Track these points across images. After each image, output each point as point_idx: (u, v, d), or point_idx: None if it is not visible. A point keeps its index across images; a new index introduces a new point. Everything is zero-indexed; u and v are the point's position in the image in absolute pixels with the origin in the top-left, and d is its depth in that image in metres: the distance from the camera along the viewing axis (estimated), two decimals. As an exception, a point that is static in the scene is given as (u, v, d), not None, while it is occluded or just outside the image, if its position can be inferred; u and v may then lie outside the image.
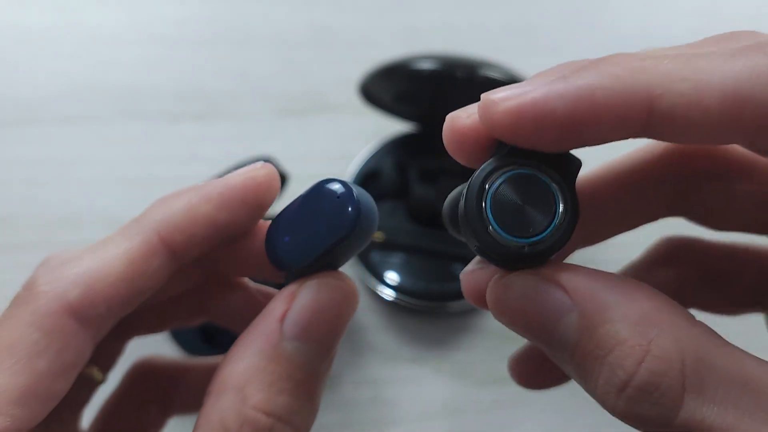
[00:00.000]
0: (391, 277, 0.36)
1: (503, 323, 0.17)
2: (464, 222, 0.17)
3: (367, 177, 0.39)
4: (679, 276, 0.23)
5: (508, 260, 0.16)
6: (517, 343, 0.39)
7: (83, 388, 0.22)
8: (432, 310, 0.38)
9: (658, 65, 0.15)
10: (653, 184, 0.21)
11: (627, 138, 0.16)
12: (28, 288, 0.17)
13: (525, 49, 0.48)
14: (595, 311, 0.15)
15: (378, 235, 0.37)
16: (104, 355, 0.22)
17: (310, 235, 0.18)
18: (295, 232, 0.18)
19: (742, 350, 0.15)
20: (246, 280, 0.23)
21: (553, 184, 0.16)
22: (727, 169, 0.20)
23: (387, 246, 0.37)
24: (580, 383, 0.16)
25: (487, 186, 0.16)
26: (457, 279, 0.36)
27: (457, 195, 0.20)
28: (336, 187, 0.18)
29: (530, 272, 0.16)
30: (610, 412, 0.15)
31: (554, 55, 0.48)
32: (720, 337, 0.15)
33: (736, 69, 0.14)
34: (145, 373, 0.24)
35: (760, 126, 0.14)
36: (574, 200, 0.16)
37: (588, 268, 0.16)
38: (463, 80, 0.31)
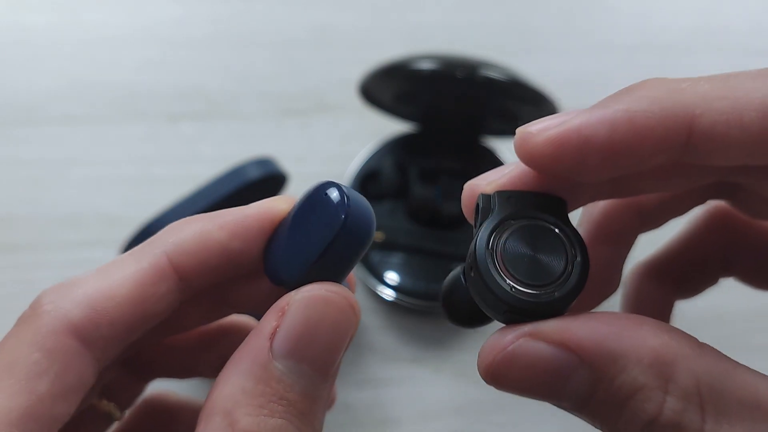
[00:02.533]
0: (391, 277, 0.36)
1: (504, 390, 0.16)
2: (480, 286, 0.16)
3: (367, 177, 0.39)
4: (727, 248, 0.23)
5: (532, 314, 0.16)
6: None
7: (100, 423, 0.21)
8: (432, 310, 0.38)
9: (696, 86, 0.15)
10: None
11: (666, 161, 0.16)
12: (33, 307, 0.17)
13: (525, 49, 0.48)
14: (606, 364, 0.15)
15: (378, 235, 0.37)
16: (124, 393, 0.22)
17: (305, 244, 0.17)
18: (291, 244, 0.17)
19: (751, 370, 0.15)
20: None
21: (555, 227, 0.17)
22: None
23: (387, 246, 0.37)
24: (591, 423, 0.16)
25: (493, 246, 0.16)
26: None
27: (454, 279, 0.19)
28: (328, 190, 0.17)
29: (529, 339, 0.16)
30: None
31: (554, 55, 0.49)
32: (727, 358, 0.15)
33: None
34: (154, 409, 0.24)
35: None
36: (578, 236, 0.17)
37: (587, 314, 0.16)
38: (463, 80, 0.31)
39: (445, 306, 0.20)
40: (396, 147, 0.40)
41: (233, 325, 0.22)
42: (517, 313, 0.16)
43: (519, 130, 0.17)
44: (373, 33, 0.48)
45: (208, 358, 0.22)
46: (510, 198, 0.17)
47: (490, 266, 0.16)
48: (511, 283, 0.16)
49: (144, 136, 0.44)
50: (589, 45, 0.48)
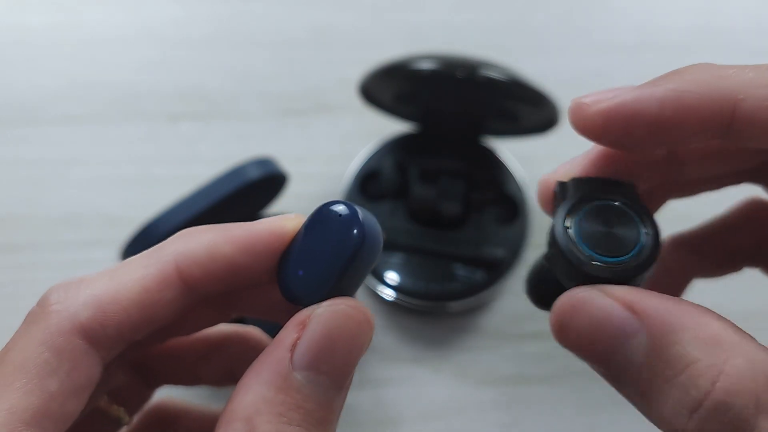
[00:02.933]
0: (391, 277, 0.36)
1: (565, 344, 0.17)
2: (560, 261, 0.18)
3: (367, 177, 0.39)
4: (757, 238, 0.24)
5: (610, 282, 0.17)
6: (515, 342, 0.39)
7: (109, 427, 0.22)
8: (432, 310, 0.38)
9: (741, 73, 0.17)
10: (742, 155, 0.22)
11: (709, 141, 0.17)
12: (41, 305, 0.17)
13: (525, 49, 0.48)
14: (665, 332, 0.15)
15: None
16: (133, 399, 0.22)
17: (322, 263, 0.17)
18: (307, 263, 0.18)
19: None
20: None
21: (625, 206, 0.18)
22: None
23: (387, 246, 0.37)
24: (640, 405, 0.16)
25: (570, 225, 0.18)
26: (456, 279, 0.36)
27: (537, 264, 0.22)
28: (339, 208, 0.18)
29: (598, 292, 0.17)
30: None
31: (554, 55, 0.49)
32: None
33: None
34: (161, 414, 0.24)
35: None
36: (647, 211, 0.18)
37: (655, 293, 0.16)
38: (463, 80, 0.31)
39: (530, 292, 0.22)
40: (396, 147, 0.40)
41: (237, 334, 0.23)
42: (596, 282, 0.17)
43: (574, 101, 0.18)
44: (373, 33, 0.48)
45: (212, 366, 0.22)
46: (583, 184, 0.19)
47: (569, 242, 0.17)
48: (590, 254, 0.17)
49: (144, 136, 0.44)
50: (589, 45, 0.48)
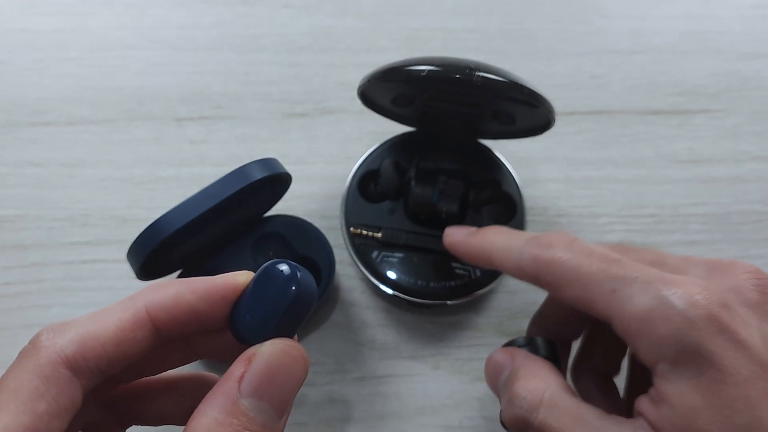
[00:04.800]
0: (391, 275, 0.37)
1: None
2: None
3: (367, 177, 0.40)
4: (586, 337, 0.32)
5: None
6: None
7: None
8: (431, 307, 0.39)
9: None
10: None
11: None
12: (33, 343, 0.20)
13: (521, 53, 0.49)
14: (512, 372, 0.28)
15: (378, 235, 0.38)
16: None
17: (265, 310, 0.21)
18: (253, 310, 0.22)
19: (583, 402, 0.25)
20: None
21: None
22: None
23: (387, 245, 0.38)
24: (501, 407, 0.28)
25: None
26: (456, 278, 0.37)
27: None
28: (283, 267, 0.21)
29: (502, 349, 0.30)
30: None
31: (549, 59, 0.49)
32: (569, 389, 0.26)
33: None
34: None
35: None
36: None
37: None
38: (460, 83, 0.32)
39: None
40: (395, 148, 0.41)
41: (197, 376, 0.26)
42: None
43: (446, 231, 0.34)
44: (374, 38, 0.49)
45: (175, 404, 0.25)
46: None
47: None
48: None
49: (151, 137, 0.44)
50: (584, 48, 0.49)
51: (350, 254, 0.38)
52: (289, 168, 0.35)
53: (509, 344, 0.30)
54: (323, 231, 0.38)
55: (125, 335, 0.21)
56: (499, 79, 0.31)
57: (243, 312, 0.22)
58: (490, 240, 0.31)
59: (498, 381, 0.28)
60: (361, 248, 0.37)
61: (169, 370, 0.25)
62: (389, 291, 0.37)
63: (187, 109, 0.45)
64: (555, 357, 0.29)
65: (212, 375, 0.27)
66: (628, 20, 0.51)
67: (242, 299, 0.22)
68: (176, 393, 0.26)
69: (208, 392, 0.25)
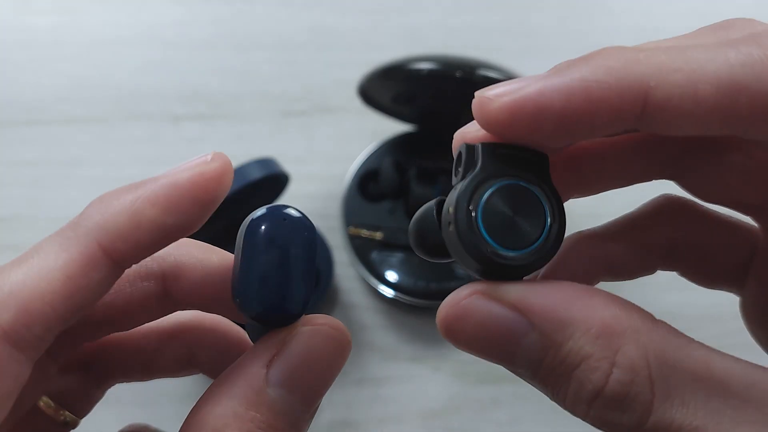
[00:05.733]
0: (391, 276, 0.37)
1: (461, 349, 0.17)
2: (455, 242, 0.16)
3: (367, 177, 0.40)
4: (671, 237, 0.22)
5: (503, 275, 0.16)
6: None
7: (56, 430, 0.21)
8: (432, 308, 0.38)
9: (652, 57, 0.15)
10: (647, 146, 0.21)
11: (621, 130, 0.16)
12: None
13: (523, 50, 0.48)
14: (555, 329, 0.15)
15: (378, 235, 0.37)
16: (82, 400, 0.21)
17: (278, 274, 0.16)
18: (261, 278, 0.16)
19: (705, 346, 0.15)
20: (242, 333, 0.22)
21: (536, 189, 0.16)
22: (717, 140, 0.19)
23: (387, 246, 0.37)
24: (546, 393, 0.16)
25: (474, 209, 0.16)
26: (456, 278, 0.36)
27: (426, 213, 0.19)
28: (291, 212, 0.17)
29: (483, 297, 0.16)
30: (581, 419, 0.16)
31: (551, 56, 0.49)
32: (682, 334, 0.15)
33: (730, 59, 0.15)
34: None
35: (754, 116, 0.14)
36: (558, 200, 0.17)
37: (547, 281, 0.16)
38: (461, 81, 0.31)
39: (415, 237, 0.19)
40: (395, 147, 0.40)
41: (193, 321, 0.22)
42: (488, 273, 0.16)
43: (477, 94, 0.16)
44: (373, 35, 0.49)
45: (168, 357, 0.21)
46: (494, 151, 0.16)
47: (469, 224, 0.16)
48: (491, 246, 0.16)
49: (147, 136, 0.44)
50: (585, 45, 0.48)
51: (349, 255, 0.38)
52: (287, 167, 0.34)
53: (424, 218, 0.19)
54: (322, 231, 0.38)
55: (76, 283, 0.15)
56: (501, 77, 0.30)
57: (250, 284, 0.17)
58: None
59: (514, 356, 0.16)
60: (361, 249, 0.37)
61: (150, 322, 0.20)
62: (389, 291, 0.36)
63: (184, 108, 0.45)
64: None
65: (210, 317, 0.22)
66: (632, 16, 0.50)
67: (240, 268, 0.17)
68: (168, 342, 0.21)
69: (208, 337, 0.20)
